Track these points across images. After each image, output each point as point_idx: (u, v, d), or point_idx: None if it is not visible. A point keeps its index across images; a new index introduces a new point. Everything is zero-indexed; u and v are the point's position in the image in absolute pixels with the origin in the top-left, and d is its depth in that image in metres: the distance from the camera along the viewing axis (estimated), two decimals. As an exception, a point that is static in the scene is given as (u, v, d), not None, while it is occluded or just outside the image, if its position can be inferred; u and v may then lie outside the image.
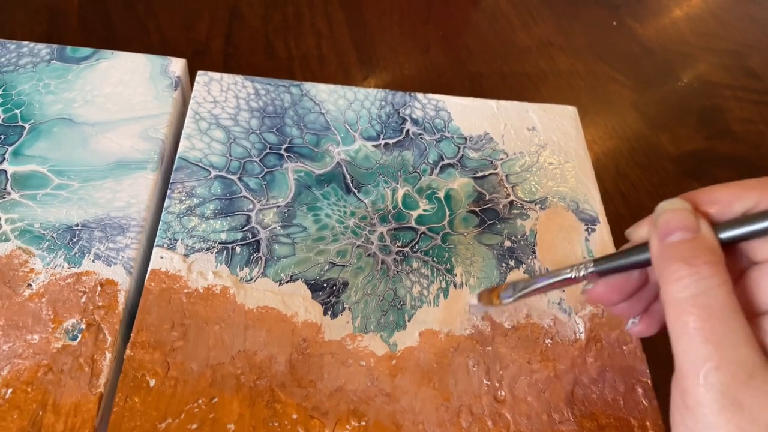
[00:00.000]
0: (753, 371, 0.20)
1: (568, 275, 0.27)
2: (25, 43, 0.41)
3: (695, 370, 0.20)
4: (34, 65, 0.39)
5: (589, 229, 0.38)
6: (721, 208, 0.23)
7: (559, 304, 0.35)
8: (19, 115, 0.37)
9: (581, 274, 0.26)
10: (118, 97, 0.39)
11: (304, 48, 0.55)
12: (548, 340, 0.33)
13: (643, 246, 0.24)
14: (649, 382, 0.32)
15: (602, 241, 0.38)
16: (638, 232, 0.25)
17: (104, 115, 0.38)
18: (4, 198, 0.34)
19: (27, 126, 0.37)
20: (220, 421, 0.28)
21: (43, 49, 0.40)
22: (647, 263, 0.24)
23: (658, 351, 0.42)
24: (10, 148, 0.35)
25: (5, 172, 0.35)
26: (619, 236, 0.47)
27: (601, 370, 0.32)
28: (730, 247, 0.22)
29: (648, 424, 0.31)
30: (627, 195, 0.49)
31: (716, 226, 0.22)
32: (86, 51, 0.41)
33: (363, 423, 0.29)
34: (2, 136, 0.36)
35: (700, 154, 0.53)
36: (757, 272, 0.23)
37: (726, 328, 0.20)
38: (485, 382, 0.31)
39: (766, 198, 0.22)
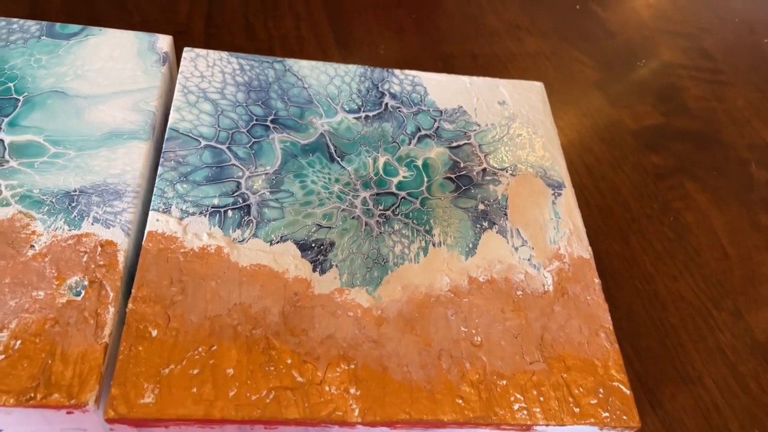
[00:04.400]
0: None
1: None
2: (15, 20, 0.42)
3: None
4: (24, 41, 0.41)
5: (556, 194, 0.41)
6: None
7: (529, 260, 0.37)
8: (12, 88, 0.38)
9: None
10: (108, 72, 0.40)
11: (283, 29, 0.56)
12: (519, 292, 0.36)
13: None
14: (610, 327, 0.35)
15: (567, 203, 0.41)
16: None
17: (96, 89, 0.39)
18: (3, 166, 0.35)
19: (21, 98, 0.38)
20: (219, 367, 0.30)
21: (32, 25, 0.42)
22: None
23: (617, 303, 0.46)
24: (6, 119, 0.37)
25: (2, 141, 0.36)
26: (582, 204, 0.51)
27: (568, 318, 0.35)
28: None
29: (610, 363, 0.34)
30: (590, 167, 0.53)
31: None
32: (75, 28, 0.42)
33: (352, 366, 0.32)
34: (-3, 108, 0.37)
35: (658, 128, 0.57)
36: None
37: None
38: (462, 329, 0.34)
39: None
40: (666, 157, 0.55)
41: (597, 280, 0.37)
